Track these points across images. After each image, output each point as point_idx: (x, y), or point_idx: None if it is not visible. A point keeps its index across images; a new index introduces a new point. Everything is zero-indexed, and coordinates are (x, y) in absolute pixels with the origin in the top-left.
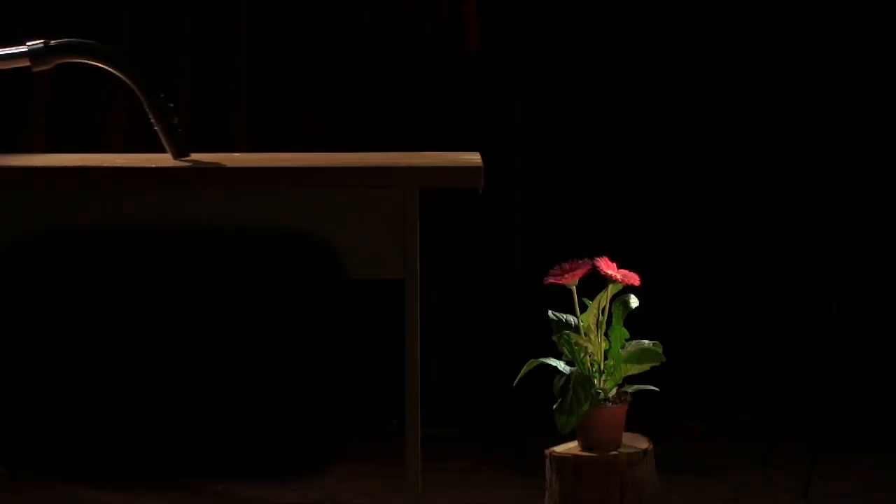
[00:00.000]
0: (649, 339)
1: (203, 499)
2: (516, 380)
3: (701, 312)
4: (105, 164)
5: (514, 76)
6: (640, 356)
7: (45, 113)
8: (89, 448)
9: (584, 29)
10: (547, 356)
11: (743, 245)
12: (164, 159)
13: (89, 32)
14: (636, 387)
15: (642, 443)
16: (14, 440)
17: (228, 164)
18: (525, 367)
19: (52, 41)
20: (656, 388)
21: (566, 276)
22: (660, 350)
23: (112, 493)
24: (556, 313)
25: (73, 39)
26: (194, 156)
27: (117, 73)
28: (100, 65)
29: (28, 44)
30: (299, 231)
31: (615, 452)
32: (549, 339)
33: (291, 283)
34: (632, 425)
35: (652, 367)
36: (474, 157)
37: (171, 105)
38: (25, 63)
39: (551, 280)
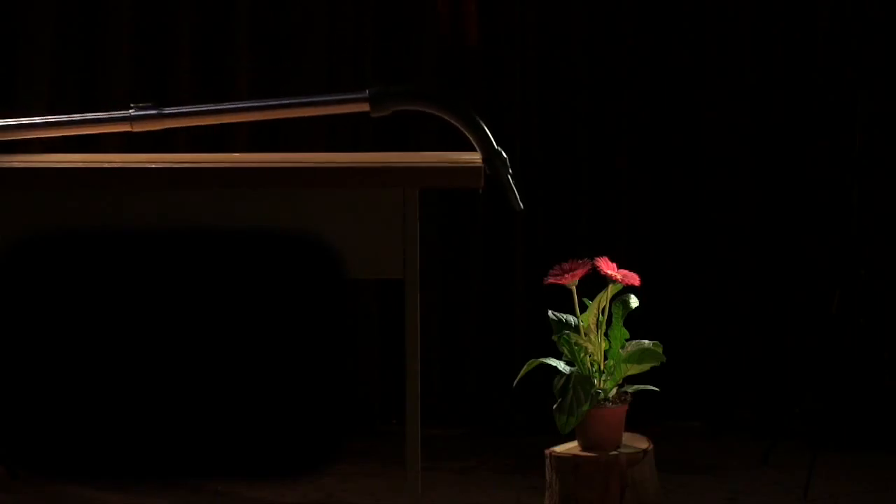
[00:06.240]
0: (649, 339)
1: (203, 499)
2: (516, 380)
3: (701, 312)
4: (105, 164)
5: (514, 75)
6: (640, 356)
7: (45, 113)
8: (89, 448)
9: (584, 29)
10: (547, 356)
11: (743, 245)
12: (164, 159)
13: (89, 32)
14: (636, 387)
15: (642, 443)
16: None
17: (228, 164)
18: (525, 367)
19: (392, 86)
20: (656, 388)
21: (566, 276)
22: (660, 350)
23: (112, 493)
24: (556, 313)
25: (416, 86)
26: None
27: (458, 125)
28: (441, 115)
29: (369, 89)
30: (299, 231)
31: (615, 452)
32: (549, 339)
33: (291, 282)
34: (632, 425)
35: (652, 367)
36: (474, 157)
37: (506, 157)
38: (364, 108)
39: (551, 280)
